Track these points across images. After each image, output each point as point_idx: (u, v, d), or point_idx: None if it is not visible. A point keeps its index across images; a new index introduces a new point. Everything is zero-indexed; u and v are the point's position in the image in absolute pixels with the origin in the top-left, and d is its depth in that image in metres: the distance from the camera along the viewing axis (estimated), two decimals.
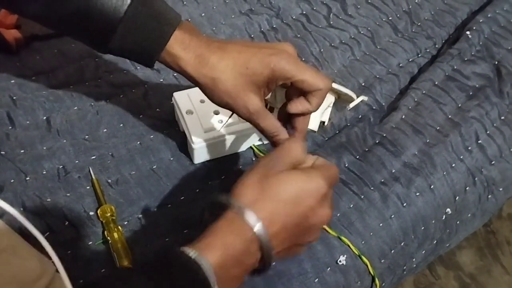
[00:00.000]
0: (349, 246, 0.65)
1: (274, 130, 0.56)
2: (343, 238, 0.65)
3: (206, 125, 0.68)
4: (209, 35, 0.59)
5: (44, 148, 0.71)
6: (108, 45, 0.54)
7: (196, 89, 0.71)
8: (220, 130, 0.68)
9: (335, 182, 0.51)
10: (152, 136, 0.74)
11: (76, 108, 0.76)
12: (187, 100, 0.71)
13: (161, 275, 0.43)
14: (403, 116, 0.80)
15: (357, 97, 0.67)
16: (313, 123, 0.66)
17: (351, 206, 0.69)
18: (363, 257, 0.65)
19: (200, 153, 0.70)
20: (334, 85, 0.64)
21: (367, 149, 0.75)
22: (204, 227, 0.47)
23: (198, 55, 0.55)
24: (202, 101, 0.71)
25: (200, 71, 0.55)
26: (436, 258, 0.88)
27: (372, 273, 0.66)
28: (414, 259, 0.73)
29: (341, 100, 0.68)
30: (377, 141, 0.76)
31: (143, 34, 0.54)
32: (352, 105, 0.66)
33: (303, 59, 0.89)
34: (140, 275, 0.43)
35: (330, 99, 0.68)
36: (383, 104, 0.84)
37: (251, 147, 0.74)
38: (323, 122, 0.67)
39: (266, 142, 0.74)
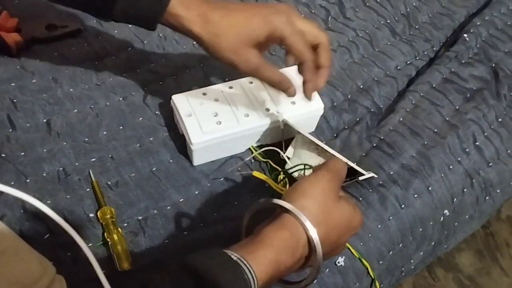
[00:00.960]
0: (349, 248, 0.66)
1: (278, 78, 0.62)
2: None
3: (205, 127, 0.69)
4: None
5: (45, 150, 0.71)
6: (111, 12, 0.57)
7: (195, 91, 0.72)
8: (219, 132, 0.69)
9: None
10: (151, 139, 0.75)
11: (76, 110, 0.76)
12: (186, 103, 0.71)
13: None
14: (401, 119, 0.80)
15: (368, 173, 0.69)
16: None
17: None
18: (363, 260, 0.66)
19: (200, 155, 0.71)
20: (349, 162, 0.67)
21: (364, 153, 0.76)
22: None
23: (201, 13, 0.57)
24: (201, 103, 0.71)
25: (204, 28, 0.58)
26: (435, 259, 0.89)
27: (373, 276, 0.66)
28: (412, 261, 0.74)
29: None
30: (374, 144, 0.77)
31: (141, 4, 0.57)
32: (361, 178, 0.69)
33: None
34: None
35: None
36: (381, 106, 0.84)
37: (249, 148, 0.74)
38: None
39: (264, 143, 0.74)
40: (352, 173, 0.69)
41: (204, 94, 0.72)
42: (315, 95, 0.73)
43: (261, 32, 0.58)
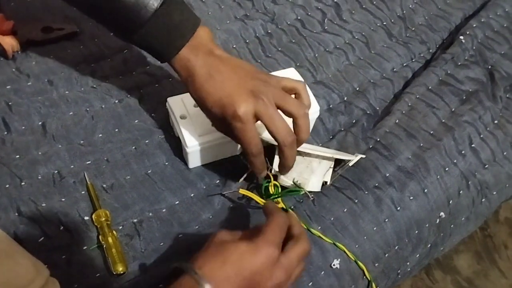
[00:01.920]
0: (345, 251, 0.66)
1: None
2: (338, 244, 0.66)
3: (200, 129, 0.69)
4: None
5: (40, 153, 0.71)
6: (132, 37, 0.62)
7: None
8: (214, 134, 0.69)
9: (285, 233, 0.54)
10: (147, 141, 0.75)
11: (71, 113, 0.76)
12: (181, 105, 0.71)
13: None
14: (397, 121, 0.80)
15: (355, 156, 0.70)
16: (316, 184, 0.68)
17: (345, 210, 0.69)
18: (359, 262, 0.66)
19: (195, 157, 0.71)
20: (333, 153, 0.69)
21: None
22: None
23: (190, 75, 0.62)
24: (195, 106, 0.71)
25: (189, 89, 0.63)
26: (432, 261, 0.89)
27: (369, 278, 0.66)
28: (408, 263, 0.73)
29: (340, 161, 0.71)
30: (370, 146, 0.77)
31: (158, 42, 0.62)
32: (351, 163, 0.69)
33: (298, 64, 0.89)
34: None
35: (330, 162, 0.70)
36: (377, 108, 0.84)
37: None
38: (326, 182, 0.69)
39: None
40: (341, 162, 0.70)
41: None
42: (312, 97, 0.74)
43: (216, 117, 0.61)
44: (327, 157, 0.69)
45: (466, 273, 1.43)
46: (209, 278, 0.48)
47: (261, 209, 0.68)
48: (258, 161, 0.62)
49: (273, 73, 0.75)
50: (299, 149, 0.65)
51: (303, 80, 0.72)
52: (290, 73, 0.77)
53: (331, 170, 0.69)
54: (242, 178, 0.70)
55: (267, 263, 0.50)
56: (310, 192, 0.68)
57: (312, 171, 0.68)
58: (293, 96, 0.63)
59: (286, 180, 0.68)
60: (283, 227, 0.54)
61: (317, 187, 0.69)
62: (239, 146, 0.72)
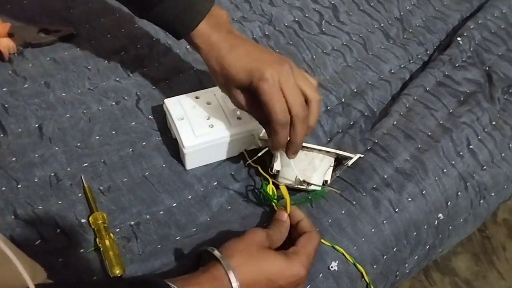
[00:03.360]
0: (343, 254, 0.65)
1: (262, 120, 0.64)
2: (337, 247, 0.65)
3: (198, 130, 0.68)
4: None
5: (36, 155, 0.71)
6: (149, 14, 0.64)
7: (187, 95, 0.72)
8: (212, 135, 0.69)
9: (313, 258, 0.59)
10: (144, 143, 0.74)
11: (68, 115, 0.76)
12: (178, 106, 0.71)
13: None
14: (395, 122, 0.80)
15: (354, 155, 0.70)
16: (318, 182, 0.68)
17: (343, 212, 0.69)
18: (358, 265, 0.65)
19: (192, 159, 0.70)
20: (333, 150, 0.68)
21: None
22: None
23: (212, 48, 0.63)
24: (193, 107, 0.71)
25: (209, 62, 0.65)
26: (431, 263, 0.88)
27: (368, 281, 0.66)
28: (406, 265, 0.73)
29: (340, 159, 0.71)
30: (368, 147, 0.77)
31: (176, 17, 0.64)
32: (350, 162, 0.69)
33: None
34: None
35: (330, 160, 0.69)
36: (375, 110, 0.84)
37: (242, 152, 0.74)
38: (326, 181, 0.69)
39: (257, 146, 0.74)
40: (339, 160, 0.70)
41: (196, 97, 0.72)
42: None
43: (241, 83, 0.62)
44: (329, 154, 0.68)
45: (464, 275, 1.42)
46: (241, 278, 0.52)
47: (258, 210, 0.68)
48: (283, 132, 0.61)
49: None
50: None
51: None
52: None
53: (331, 169, 0.69)
54: (257, 156, 0.69)
55: (295, 282, 0.55)
56: (312, 190, 0.68)
57: (314, 169, 0.68)
58: None
59: (288, 178, 0.67)
60: (315, 248, 0.59)
61: (318, 185, 0.68)
62: (238, 145, 0.72)
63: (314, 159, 0.68)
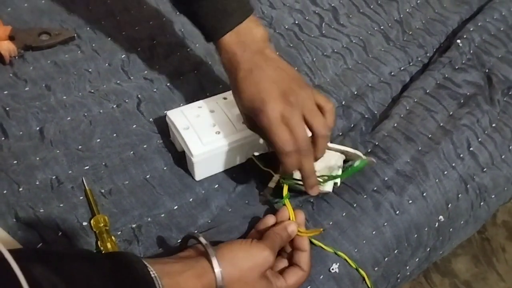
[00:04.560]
0: (346, 260, 0.65)
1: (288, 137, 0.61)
2: (339, 253, 0.65)
3: (205, 138, 0.68)
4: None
5: (37, 158, 0.71)
6: (190, 7, 0.65)
7: (189, 105, 0.72)
8: (219, 142, 0.68)
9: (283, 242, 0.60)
10: (145, 146, 0.74)
11: (69, 118, 0.76)
12: (182, 117, 0.70)
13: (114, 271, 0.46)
14: (395, 124, 0.80)
15: (364, 155, 0.70)
16: (330, 184, 0.68)
17: (344, 214, 0.69)
18: (360, 270, 0.65)
19: (201, 168, 0.70)
20: (342, 147, 0.68)
21: None
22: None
23: (234, 67, 0.63)
24: (197, 116, 0.70)
25: (231, 81, 0.64)
26: (431, 265, 0.88)
27: (369, 285, 0.66)
28: (407, 267, 0.73)
29: (349, 157, 0.70)
30: (369, 150, 0.77)
31: (208, 21, 0.64)
32: (356, 163, 0.69)
33: (296, 68, 0.89)
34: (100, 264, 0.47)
35: (340, 160, 0.69)
36: (376, 112, 0.84)
37: (250, 157, 0.72)
38: (336, 183, 0.69)
39: (264, 151, 0.73)
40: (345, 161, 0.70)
41: (199, 107, 0.72)
42: None
43: (245, 112, 0.63)
44: (342, 152, 0.68)
45: (464, 277, 1.42)
46: (218, 254, 0.53)
47: (259, 211, 0.68)
48: (287, 160, 0.60)
49: None
50: None
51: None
52: None
53: (340, 169, 0.69)
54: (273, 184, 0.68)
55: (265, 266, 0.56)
56: (325, 193, 0.68)
57: (330, 171, 0.68)
58: None
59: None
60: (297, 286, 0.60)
61: (330, 188, 0.68)
62: (246, 150, 0.72)
63: (331, 160, 0.67)
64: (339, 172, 0.68)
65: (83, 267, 0.44)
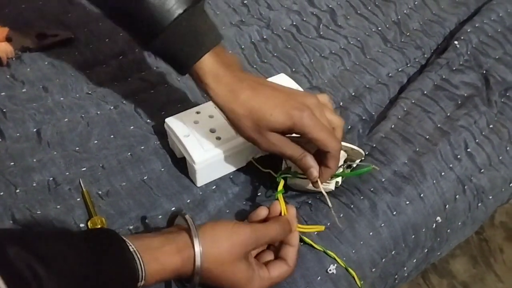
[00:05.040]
0: (335, 258, 0.65)
1: (299, 153, 0.61)
2: (328, 251, 0.65)
3: (206, 144, 0.68)
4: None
5: (34, 160, 0.71)
6: (149, 46, 0.60)
7: (187, 111, 0.72)
8: (221, 147, 0.68)
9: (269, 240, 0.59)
10: (142, 147, 0.74)
11: (66, 119, 0.76)
12: (181, 124, 0.70)
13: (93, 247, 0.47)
14: (393, 126, 0.80)
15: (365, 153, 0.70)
16: (332, 183, 0.68)
17: (341, 215, 0.69)
18: (349, 269, 0.65)
19: (203, 174, 0.69)
20: (347, 144, 0.67)
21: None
22: None
23: (230, 90, 0.59)
24: (196, 122, 0.70)
25: (230, 106, 0.60)
26: (429, 266, 0.88)
27: (359, 285, 0.65)
28: (405, 268, 0.73)
29: (350, 157, 0.70)
30: (366, 152, 0.77)
31: (179, 48, 0.59)
32: (358, 161, 0.70)
33: (294, 69, 0.89)
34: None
35: (341, 159, 0.68)
36: (373, 113, 0.84)
37: (251, 160, 0.72)
38: (337, 182, 0.69)
39: (263, 154, 0.73)
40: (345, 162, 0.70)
41: (197, 112, 0.72)
42: None
43: (281, 126, 0.59)
44: (345, 151, 0.68)
45: (462, 277, 1.43)
46: (200, 232, 0.53)
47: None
48: (303, 163, 0.61)
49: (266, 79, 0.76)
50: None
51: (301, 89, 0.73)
52: (282, 80, 0.77)
53: (342, 169, 0.69)
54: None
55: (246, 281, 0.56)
56: (327, 192, 0.67)
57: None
58: None
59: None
60: (281, 280, 0.59)
61: (332, 186, 0.69)
62: (247, 154, 0.72)
63: None
64: (340, 170, 0.68)
65: (60, 246, 0.44)
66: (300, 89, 0.77)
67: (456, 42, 0.94)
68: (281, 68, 0.89)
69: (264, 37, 0.95)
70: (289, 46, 0.94)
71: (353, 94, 0.87)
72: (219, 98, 0.60)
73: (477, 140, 0.81)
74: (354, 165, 0.70)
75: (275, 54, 0.92)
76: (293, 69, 0.89)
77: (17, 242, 0.41)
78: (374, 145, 0.77)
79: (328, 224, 0.68)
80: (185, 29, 0.58)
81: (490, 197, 0.80)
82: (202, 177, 0.70)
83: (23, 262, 0.39)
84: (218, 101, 0.60)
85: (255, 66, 0.89)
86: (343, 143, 0.67)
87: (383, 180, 0.73)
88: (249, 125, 0.59)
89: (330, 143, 0.59)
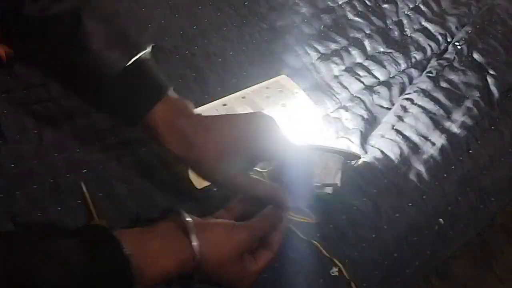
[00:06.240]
0: (340, 268, 0.64)
1: (271, 191, 0.57)
2: (335, 260, 0.64)
3: None
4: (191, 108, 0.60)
5: (35, 162, 0.70)
6: (94, 97, 0.56)
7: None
8: None
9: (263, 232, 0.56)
10: (144, 149, 0.74)
11: (67, 122, 0.75)
12: None
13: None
14: (394, 126, 0.80)
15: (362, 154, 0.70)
16: (327, 188, 0.68)
17: (344, 217, 0.69)
18: (352, 283, 0.64)
19: None
20: (335, 148, 0.68)
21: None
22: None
23: (183, 137, 0.56)
24: None
25: (186, 153, 0.56)
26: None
27: (347, 277, 0.64)
28: (408, 270, 0.73)
29: (346, 159, 0.70)
30: (367, 152, 0.76)
31: (127, 101, 0.56)
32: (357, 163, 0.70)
33: (296, 69, 0.89)
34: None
35: (339, 162, 0.68)
36: (375, 115, 0.84)
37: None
38: (336, 184, 0.68)
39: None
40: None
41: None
42: (307, 100, 0.74)
43: (242, 158, 0.56)
44: (339, 153, 0.68)
45: (462, 279, 1.42)
46: (199, 234, 0.51)
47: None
48: (275, 199, 0.58)
49: (263, 83, 0.75)
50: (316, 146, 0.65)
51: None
52: (282, 81, 0.77)
53: (340, 172, 0.68)
54: None
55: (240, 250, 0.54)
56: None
57: (328, 173, 0.67)
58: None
59: None
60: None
61: (330, 190, 0.68)
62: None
63: (328, 163, 0.67)
64: (338, 175, 0.68)
65: (45, 246, 0.44)
66: (300, 90, 0.76)
67: (457, 43, 0.94)
68: (283, 68, 0.88)
69: (266, 38, 0.95)
70: (290, 48, 0.93)
71: (354, 95, 0.86)
72: (173, 145, 0.56)
73: (479, 141, 0.80)
74: (355, 165, 0.70)
75: (277, 55, 0.91)
76: (296, 69, 0.89)
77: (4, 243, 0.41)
78: (376, 146, 0.77)
79: (331, 226, 0.68)
80: (131, 81, 0.55)
81: (492, 199, 0.79)
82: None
83: (6, 264, 0.39)
84: (173, 149, 0.57)
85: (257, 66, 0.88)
86: (340, 148, 0.67)
87: (386, 181, 0.73)
88: (210, 168, 0.56)
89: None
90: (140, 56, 0.56)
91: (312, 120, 0.76)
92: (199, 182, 0.70)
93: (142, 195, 0.69)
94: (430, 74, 0.89)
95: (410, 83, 0.90)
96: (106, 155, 0.72)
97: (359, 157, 0.70)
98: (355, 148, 0.76)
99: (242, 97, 0.73)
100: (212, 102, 0.72)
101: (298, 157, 0.57)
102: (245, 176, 0.58)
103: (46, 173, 0.69)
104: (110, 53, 0.54)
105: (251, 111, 0.71)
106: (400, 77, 0.91)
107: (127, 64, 0.54)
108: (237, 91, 0.76)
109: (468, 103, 0.85)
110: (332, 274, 0.64)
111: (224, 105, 0.72)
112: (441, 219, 0.73)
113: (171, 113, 0.57)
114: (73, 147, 0.73)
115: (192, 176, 0.69)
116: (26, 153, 0.71)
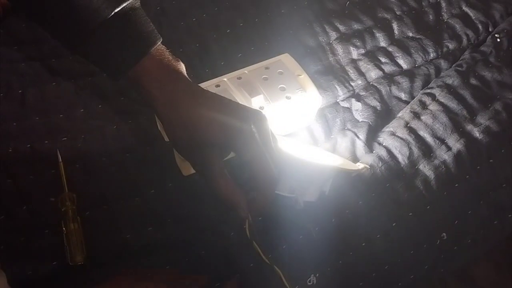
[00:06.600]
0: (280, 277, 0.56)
1: (227, 195, 0.53)
2: (276, 268, 0.54)
3: None
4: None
5: (14, 124, 0.67)
6: (78, 49, 0.53)
7: None
8: None
9: None
10: (130, 121, 0.69)
11: (54, 84, 0.71)
12: None
13: None
14: (408, 124, 0.72)
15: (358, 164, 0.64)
16: (314, 194, 0.61)
17: (333, 220, 0.62)
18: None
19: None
20: (337, 161, 0.62)
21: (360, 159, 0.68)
22: None
23: (171, 100, 0.53)
24: None
25: (169, 115, 0.53)
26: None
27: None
28: (400, 283, 0.66)
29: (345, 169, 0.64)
30: (373, 151, 0.69)
31: (113, 51, 0.53)
32: (354, 174, 0.64)
33: (308, 50, 0.81)
34: None
35: (331, 172, 0.62)
36: (390, 107, 0.76)
37: None
38: (324, 191, 0.62)
39: None
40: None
41: None
42: (312, 87, 0.67)
43: (215, 141, 0.52)
44: (332, 170, 0.62)
45: (481, 283, 1.34)
46: None
47: None
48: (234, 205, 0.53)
49: (263, 62, 0.69)
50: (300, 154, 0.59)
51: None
52: (285, 59, 0.69)
53: (330, 180, 0.62)
54: None
55: None
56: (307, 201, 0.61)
57: (311, 181, 0.61)
58: None
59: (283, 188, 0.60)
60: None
61: (314, 197, 0.61)
62: None
63: (313, 170, 0.61)
64: (328, 182, 0.61)
65: None
66: (303, 72, 0.69)
67: (497, 35, 0.83)
68: (294, 47, 0.80)
69: (282, 11, 0.87)
70: (308, 25, 0.85)
71: (370, 83, 0.78)
72: (160, 105, 0.53)
73: (503, 150, 0.71)
74: (352, 175, 0.63)
75: (291, 31, 0.83)
76: (308, 50, 0.81)
77: None
78: (383, 144, 0.70)
79: (317, 229, 0.62)
80: (118, 30, 0.52)
81: (510, 216, 0.70)
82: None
83: None
84: (158, 109, 0.54)
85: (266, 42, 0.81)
86: (332, 163, 0.61)
87: (388, 185, 0.66)
88: (184, 137, 0.53)
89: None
90: (127, 5, 0.51)
91: (310, 110, 0.69)
92: (185, 169, 0.65)
93: (120, 171, 0.65)
94: (460, 68, 0.79)
95: (437, 75, 0.80)
96: (89, 124, 0.68)
97: (359, 170, 0.63)
98: (359, 149, 0.69)
99: (238, 78, 0.66)
100: (204, 82, 0.66)
101: (266, 165, 0.50)
102: (217, 165, 0.53)
103: (23, 136, 0.66)
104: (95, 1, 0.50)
105: (246, 94, 0.64)
106: (426, 67, 0.81)
107: (113, 12, 0.50)
108: (239, 69, 0.70)
109: (498, 106, 0.75)
110: (309, 283, 0.58)
111: (217, 86, 0.65)
112: (444, 234, 0.65)
113: (163, 71, 0.54)
114: (56, 112, 0.69)
115: (179, 162, 0.64)
116: (7, 113, 0.68)
